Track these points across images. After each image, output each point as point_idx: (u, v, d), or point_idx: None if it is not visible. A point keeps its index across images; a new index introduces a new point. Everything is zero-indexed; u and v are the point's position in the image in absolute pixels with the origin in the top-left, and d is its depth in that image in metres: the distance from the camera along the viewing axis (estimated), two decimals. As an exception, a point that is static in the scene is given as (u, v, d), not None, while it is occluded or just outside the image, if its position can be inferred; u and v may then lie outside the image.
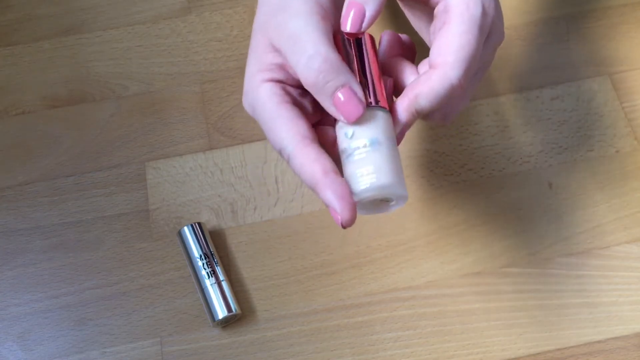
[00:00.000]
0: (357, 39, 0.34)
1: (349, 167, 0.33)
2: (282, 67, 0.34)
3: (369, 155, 0.33)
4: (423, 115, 0.34)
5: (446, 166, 0.52)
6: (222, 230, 0.50)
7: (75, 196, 0.52)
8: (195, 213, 0.51)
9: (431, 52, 0.33)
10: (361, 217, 0.50)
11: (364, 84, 0.33)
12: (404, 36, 0.38)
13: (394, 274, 0.48)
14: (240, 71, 0.55)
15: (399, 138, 0.34)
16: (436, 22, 0.35)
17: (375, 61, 0.34)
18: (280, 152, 0.33)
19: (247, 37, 0.57)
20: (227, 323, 0.47)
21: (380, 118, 0.33)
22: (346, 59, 0.33)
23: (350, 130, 0.33)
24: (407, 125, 0.34)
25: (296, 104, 0.34)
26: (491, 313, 0.47)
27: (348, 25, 0.32)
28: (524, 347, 0.46)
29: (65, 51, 0.57)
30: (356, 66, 0.33)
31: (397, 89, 0.36)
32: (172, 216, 0.51)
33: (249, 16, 0.58)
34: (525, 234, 0.49)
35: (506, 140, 0.52)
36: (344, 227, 0.32)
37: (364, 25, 0.33)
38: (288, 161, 0.33)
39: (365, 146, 0.33)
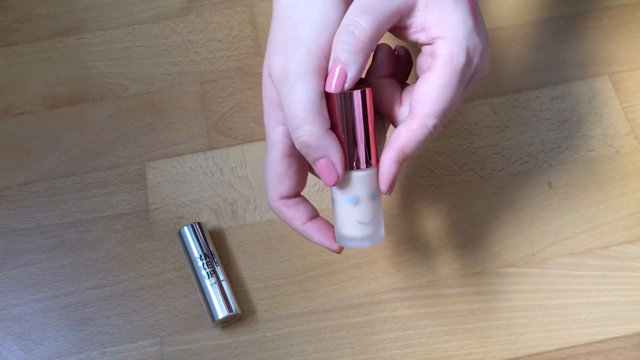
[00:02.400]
0: (352, 96, 0.35)
1: (335, 212, 0.38)
2: None
3: (346, 211, 0.37)
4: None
5: (446, 166, 0.52)
6: (222, 230, 0.50)
7: (75, 196, 0.52)
8: (195, 213, 0.51)
9: (413, 96, 0.35)
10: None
11: (350, 144, 0.36)
12: (400, 49, 0.39)
13: (394, 274, 0.48)
14: (240, 71, 0.55)
15: (392, 187, 0.36)
16: (422, 59, 0.36)
17: (370, 118, 0.36)
18: None
19: (247, 37, 0.57)
20: (227, 323, 0.47)
21: (364, 177, 0.36)
22: (339, 115, 0.35)
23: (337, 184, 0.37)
24: (397, 173, 0.36)
25: (299, 155, 0.38)
26: (491, 313, 0.47)
27: (332, 86, 0.35)
28: (524, 347, 0.46)
29: (65, 51, 0.57)
30: (347, 125, 0.35)
31: (378, 113, 0.38)
32: (172, 216, 0.51)
33: (249, 16, 0.58)
34: (525, 234, 0.49)
35: (506, 140, 0.52)
36: (339, 253, 0.39)
37: (347, 86, 0.35)
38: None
39: (349, 201, 0.37)
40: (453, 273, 0.48)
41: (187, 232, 0.48)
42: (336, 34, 0.34)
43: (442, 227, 0.50)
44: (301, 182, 0.39)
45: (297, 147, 0.35)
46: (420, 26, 0.35)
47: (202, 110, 0.54)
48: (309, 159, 0.36)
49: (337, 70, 0.34)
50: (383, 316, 0.47)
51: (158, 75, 0.56)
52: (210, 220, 0.50)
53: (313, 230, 0.38)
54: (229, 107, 0.54)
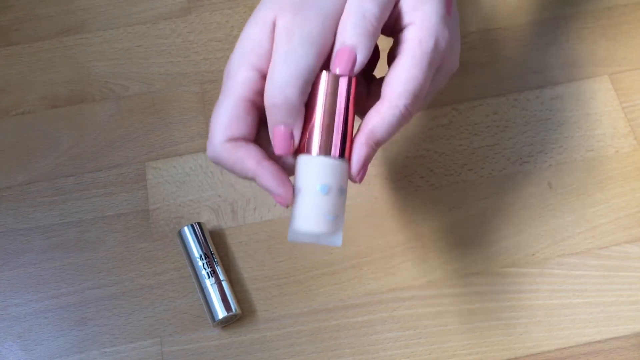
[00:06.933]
0: (339, 81, 0.35)
1: (296, 203, 0.35)
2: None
3: (314, 200, 0.35)
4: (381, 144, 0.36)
5: (446, 166, 0.52)
6: (222, 230, 0.50)
7: (75, 196, 0.52)
8: (195, 213, 0.51)
9: (384, 82, 0.35)
10: (361, 217, 0.50)
11: (330, 128, 0.35)
12: None
13: (394, 274, 0.48)
14: (240, 71, 0.55)
15: (361, 173, 0.35)
16: (393, 47, 0.36)
17: (352, 108, 0.35)
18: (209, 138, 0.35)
19: (247, 37, 0.57)
20: (227, 323, 0.47)
21: (338, 166, 0.35)
22: (323, 98, 0.34)
23: (305, 170, 0.35)
24: (368, 158, 0.35)
25: (260, 107, 0.35)
26: (491, 313, 0.47)
27: (339, 68, 0.34)
28: (524, 347, 0.46)
29: (65, 51, 0.57)
30: (329, 109, 0.35)
31: None
32: (172, 216, 0.51)
33: (249, 16, 0.58)
34: (525, 234, 0.49)
35: (506, 140, 0.52)
36: (286, 206, 0.35)
37: (356, 69, 0.34)
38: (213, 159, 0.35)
39: (321, 189, 0.35)
40: (453, 273, 0.48)
41: (187, 232, 0.48)
42: (345, 16, 0.34)
43: (442, 227, 0.50)
44: (254, 133, 0.36)
45: (267, 104, 0.34)
46: (398, 11, 0.35)
47: (202, 110, 0.54)
48: (271, 119, 0.34)
49: (347, 53, 0.34)
50: (383, 316, 0.47)
51: (158, 75, 0.56)
52: (210, 220, 0.50)
53: (269, 172, 0.34)
54: (229, 107, 0.54)
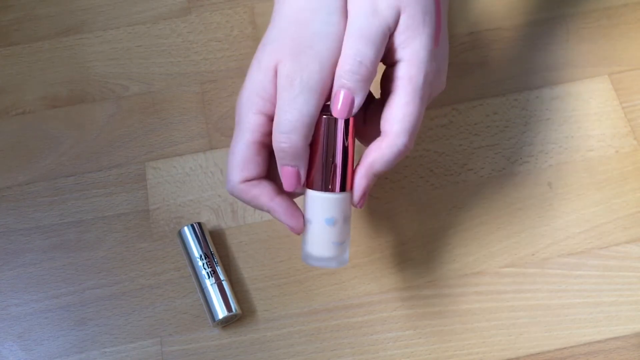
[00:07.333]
0: (337, 121, 0.37)
1: (306, 232, 0.39)
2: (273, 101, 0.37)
3: (322, 231, 0.38)
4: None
5: (446, 166, 0.52)
6: (222, 230, 0.50)
7: (76, 196, 0.52)
8: (195, 213, 0.51)
9: (382, 119, 0.37)
10: (361, 217, 0.50)
11: (332, 168, 0.37)
12: None
13: (394, 274, 0.48)
14: (240, 71, 0.55)
15: (362, 201, 0.38)
16: (386, 79, 0.38)
17: (351, 144, 0.37)
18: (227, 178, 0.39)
19: (247, 37, 0.57)
20: (227, 323, 0.47)
21: (343, 199, 0.38)
22: (324, 138, 0.37)
23: (312, 204, 0.38)
24: (368, 188, 0.38)
25: (269, 145, 0.38)
26: (491, 313, 0.47)
27: (338, 112, 0.36)
28: (524, 347, 0.46)
29: (65, 51, 0.57)
30: (332, 150, 0.37)
31: None
32: (172, 216, 0.51)
33: (249, 16, 0.58)
34: (525, 234, 0.49)
35: (506, 140, 0.52)
36: (298, 234, 0.39)
37: (354, 112, 0.36)
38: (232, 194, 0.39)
39: (327, 221, 0.38)
40: (453, 273, 0.48)
41: (187, 232, 0.48)
42: (342, 60, 0.36)
43: (442, 227, 0.50)
44: (266, 169, 0.39)
45: (275, 148, 0.37)
46: (391, 44, 0.37)
47: (202, 110, 0.54)
48: (279, 161, 0.37)
49: (345, 97, 0.36)
50: (383, 316, 0.47)
51: (158, 75, 0.56)
52: (210, 220, 0.50)
53: (281, 207, 0.38)
54: (229, 107, 0.54)
